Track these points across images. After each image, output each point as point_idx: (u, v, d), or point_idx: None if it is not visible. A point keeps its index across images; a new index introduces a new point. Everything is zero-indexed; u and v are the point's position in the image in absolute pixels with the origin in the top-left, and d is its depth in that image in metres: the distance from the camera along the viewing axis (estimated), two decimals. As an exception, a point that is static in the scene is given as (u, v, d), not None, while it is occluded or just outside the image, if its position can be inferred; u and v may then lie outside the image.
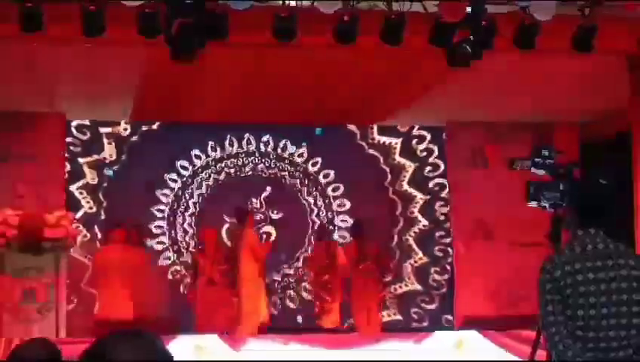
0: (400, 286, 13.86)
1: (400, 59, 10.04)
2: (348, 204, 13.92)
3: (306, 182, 13.90)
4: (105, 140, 13.21)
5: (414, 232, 14.02)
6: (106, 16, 8.18)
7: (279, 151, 13.85)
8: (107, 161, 13.26)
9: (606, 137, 12.14)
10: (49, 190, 11.48)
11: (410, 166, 14.03)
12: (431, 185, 13.92)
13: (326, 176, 13.92)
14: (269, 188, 13.69)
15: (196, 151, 13.58)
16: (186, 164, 13.54)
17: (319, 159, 13.87)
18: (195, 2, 8.11)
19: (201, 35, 8.34)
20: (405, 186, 14.08)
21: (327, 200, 13.92)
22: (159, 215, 13.44)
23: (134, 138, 13.35)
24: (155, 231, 13.38)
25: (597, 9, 8.76)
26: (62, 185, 11.92)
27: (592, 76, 10.42)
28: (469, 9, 8.32)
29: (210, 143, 13.63)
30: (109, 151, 13.22)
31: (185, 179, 13.56)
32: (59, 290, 10.39)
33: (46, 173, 11.60)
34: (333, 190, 13.92)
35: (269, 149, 13.83)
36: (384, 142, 14.03)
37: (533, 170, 5.20)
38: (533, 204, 5.08)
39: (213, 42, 8.42)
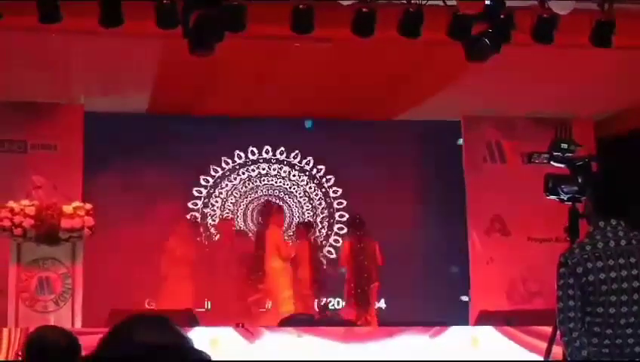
0: None
1: (418, 53, 10.02)
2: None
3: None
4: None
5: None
6: (123, 8, 8.19)
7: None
8: None
9: (623, 132, 12.10)
10: (66, 181, 11.52)
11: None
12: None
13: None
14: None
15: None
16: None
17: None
18: (212, -6, 8.12)
19: (218, 27, 8.34)
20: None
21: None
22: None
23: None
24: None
25: (616, 4, 8.72)
26: (79, 176, 11.94)
27: (610, 71, 10.38)
28: (487, 2, 8.29)
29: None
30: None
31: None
32: (75, 280, 10.42)
33: (63, 163, 11.65)
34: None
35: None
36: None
37: (552, 163, 5.18)
38: (552, 197, 5.06)
39: (230, 34, 8.41)
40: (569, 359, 4.50)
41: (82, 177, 12.05)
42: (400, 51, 9.97)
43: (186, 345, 2.21)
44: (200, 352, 2.13)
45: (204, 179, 13.40)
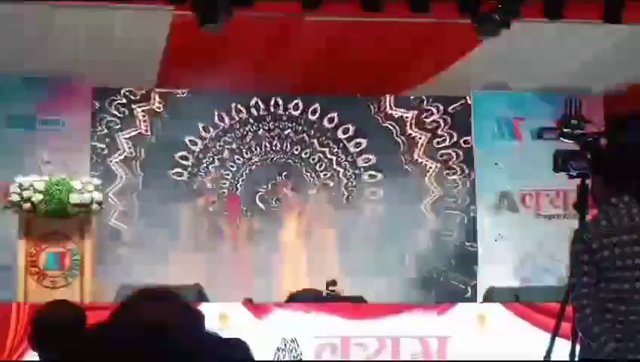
0: None
1: (427, 29, 9.98)
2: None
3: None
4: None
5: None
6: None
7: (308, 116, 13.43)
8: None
9: (632, 109, 12.06)
10: (75, 156, 11.54)
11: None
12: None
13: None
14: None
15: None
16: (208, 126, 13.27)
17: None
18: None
19: (227, 1, 8.31)
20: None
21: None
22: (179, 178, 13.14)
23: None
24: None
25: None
26: (87, 152, 11.97)
27: (620, 48, 10.34)
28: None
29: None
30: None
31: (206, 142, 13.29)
32: (84, 256, 10.45)
33: (72, 139, 11.66)
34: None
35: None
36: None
37: (561, 139, 5.17)
38: (562, 173, 5.05)
39: (239, 9, 8.38)
40: (582, 335, 4.50)
41: (90, 153, 12.08)
42: (409, 27, 9.92)
43: (200, 326, 2.18)
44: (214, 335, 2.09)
45: (209, 153, 13.32)
